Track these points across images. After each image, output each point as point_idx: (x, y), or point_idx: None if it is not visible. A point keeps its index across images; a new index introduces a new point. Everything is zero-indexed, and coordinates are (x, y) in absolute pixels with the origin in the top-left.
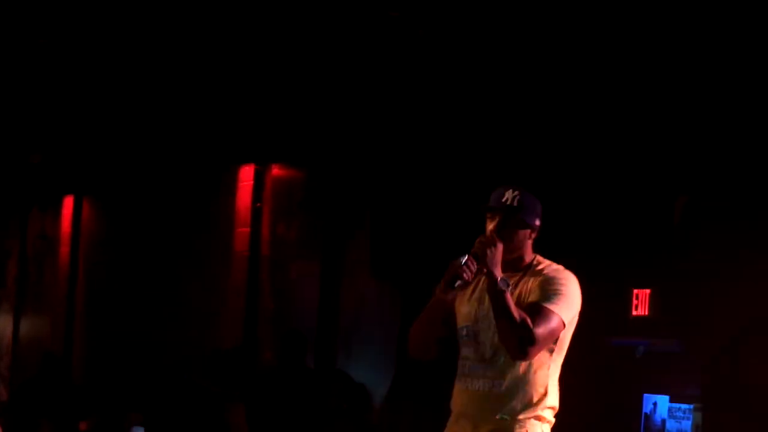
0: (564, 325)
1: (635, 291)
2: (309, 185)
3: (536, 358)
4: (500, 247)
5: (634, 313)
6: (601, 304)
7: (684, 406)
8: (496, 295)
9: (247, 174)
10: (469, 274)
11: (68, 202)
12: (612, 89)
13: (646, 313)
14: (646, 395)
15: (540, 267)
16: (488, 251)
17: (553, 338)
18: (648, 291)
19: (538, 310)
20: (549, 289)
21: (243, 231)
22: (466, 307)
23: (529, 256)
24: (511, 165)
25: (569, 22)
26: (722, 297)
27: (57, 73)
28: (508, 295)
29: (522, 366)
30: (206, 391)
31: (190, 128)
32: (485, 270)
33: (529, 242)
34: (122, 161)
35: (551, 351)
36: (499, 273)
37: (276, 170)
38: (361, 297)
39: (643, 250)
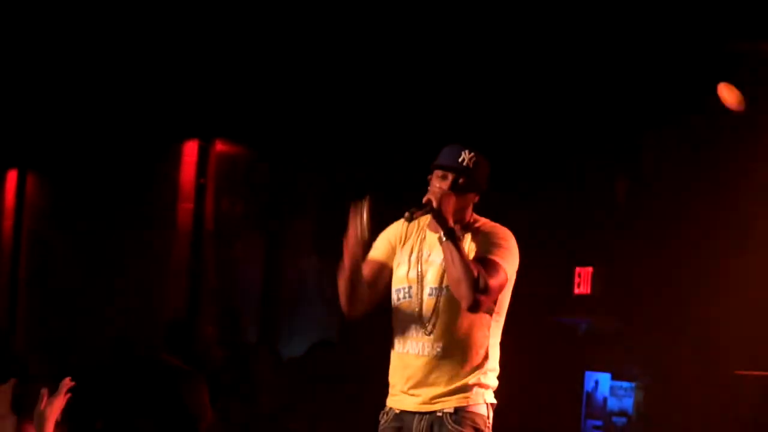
0: (507, 278)
1: (577, 269)
2: (252, 161)
3: (477, 327)
4: (452, 200)
5: (577, 291)
6: (544, 282)
7: (625, 384)
8: (452, 243)
9: (191, 149)
10: (419, 214)
11: (11, 176)
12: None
13: (588, 292)
14: (588, 373)
15: (478, 225)
16: (444, 199)
17: (501, 290)
18: (590, 269)
19: (485, 263)
20: (492, 242)
21: (187, 207)
22: (402, 269)
23: (468, 216)
24: (458, 129)
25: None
26: (663, 275)
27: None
28: (460, 242)
29: (462, 327)
30: (165, 367)
31: (134, 103)
32: (439, 218)
33: (473, 202)
34: (66, 135)
35: (490, 312)
36: (447, 223)
37: (220, 146)
38: (303, 272)
39: (585, 228)
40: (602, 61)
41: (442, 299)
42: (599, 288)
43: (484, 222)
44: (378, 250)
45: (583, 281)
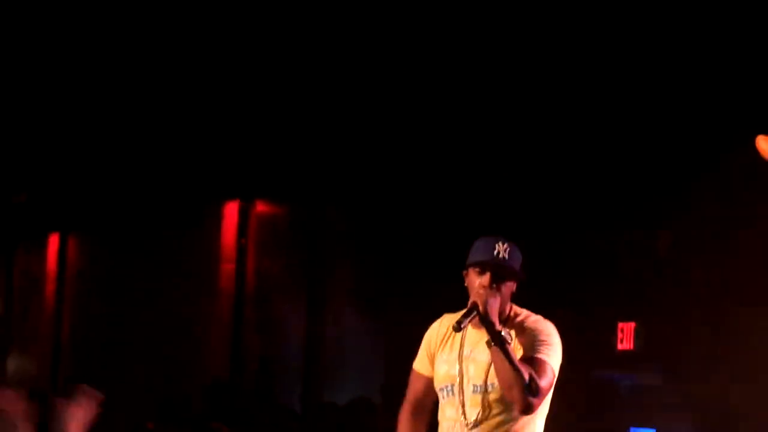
0: (555, 376)
1: (620, 324)
2: (293, 220)
3: (521, 421)
4: (498, 299)
5: (620, 346)
6: (587, 338)
7: None
8: (500, 349)
9: (231, 210)
10: (467, 322)
11: (53, 240)
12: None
13: (632, 347)
14: (632, 429)
15: (520, 319)
16: (490, 301)
17: (551, 389)
18: (633, 324)
19: (534, 363)
20: (538, 340)
21: (228, 267)
22: (443, 368)
23: (508, 308)
24: (494, 201)
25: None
26: (707, 329)
27: (42, 112)
28: (509, 346)
29: (509, 424)
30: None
31: (175, 164)
32: (486, 322)
33: (511, 293)
34: (107, 198)
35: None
36: (495, 325)
37: (260, 206)
38: (345, 329)
39: (628, 283)
40: (642, 115)
41: (489, 397)
42: (642, 343)
43: (526, 316)
44: (424, 366)
45: (626, 337)
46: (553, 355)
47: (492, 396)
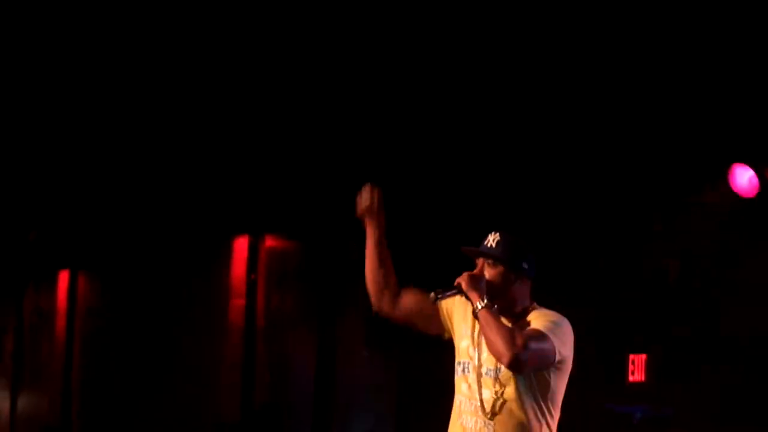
0: (555, 352)
1: (631, 356)
2: (303, 256)
3: (532, 415)
4: (483, 278)
5: (631, 378)
6: (598, 370)
7: None
8: (485, 313)
9: (241, 245)
10: (448, 295)
11: (63, 277)
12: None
13: (643, 379)
14: None
15: (534, 313)
16: (470, 278)
17: (546, 359)
18: (644, 356)
19: (530, 332)
20: (543, 321)
21: (238, 302)
22: (464, 342)
23: (523, 302)
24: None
25: None
26: (718, 360)
27: (52, 150)
28: (492, 311)
29: (518, 412)
30: None
31: (184, 201)
32: (467, 297)
33: (519, 287)
34: (117, 235)
35: (545, 406)
36: (477, 298)
37: (270, 241)
38: (356, 366)
39: (638, 315)
40: (647, 145)
41: (498, 382)
42: (653, 375)
43: (540, 309)
44: (443, 306)
45: (637, 368)
46: (556, 333)
47: (500, 381)
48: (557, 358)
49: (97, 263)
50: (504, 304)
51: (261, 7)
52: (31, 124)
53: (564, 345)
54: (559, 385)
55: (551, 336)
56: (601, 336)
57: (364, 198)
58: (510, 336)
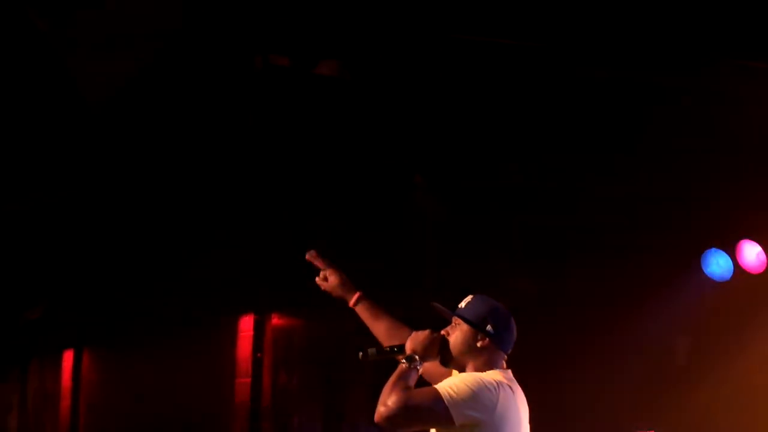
0: (448, 414)
1: None
2: (309, 334)
3: None
4: (432, 336)
5: None
6: None
7: None
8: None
9: (246, 324)
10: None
11: (68, 356)
12: None
13: None
14: None
15: (462, 373)
16: (414, 339)
17: (431, 420)
18: None
19: (420, 391)
20: (451, 381)
21: (244, 381)
22: None
23: (476, 365)
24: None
25: None
26: None
27: (54, 229)
28: (406, 370)
29: None
30: None
31: (188, 279)
32: (387, 356)
33: (482, 350)
34: (122, 314)
35: None
36: (410, 350)
37: (276, 319)
38: None
39: (646, 391)
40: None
41: None
42: None
43: (474, 373)
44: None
45: None
46: (457, 392)
47: None
48: (457, 420)
49: (102, 342)
50: (461, 363)
51: None
52: (33, 203)
53: (473, 408)
54: None
55: (446, 398)
56: (607, 412)
57: (321, 279)
58: (388, 392)
